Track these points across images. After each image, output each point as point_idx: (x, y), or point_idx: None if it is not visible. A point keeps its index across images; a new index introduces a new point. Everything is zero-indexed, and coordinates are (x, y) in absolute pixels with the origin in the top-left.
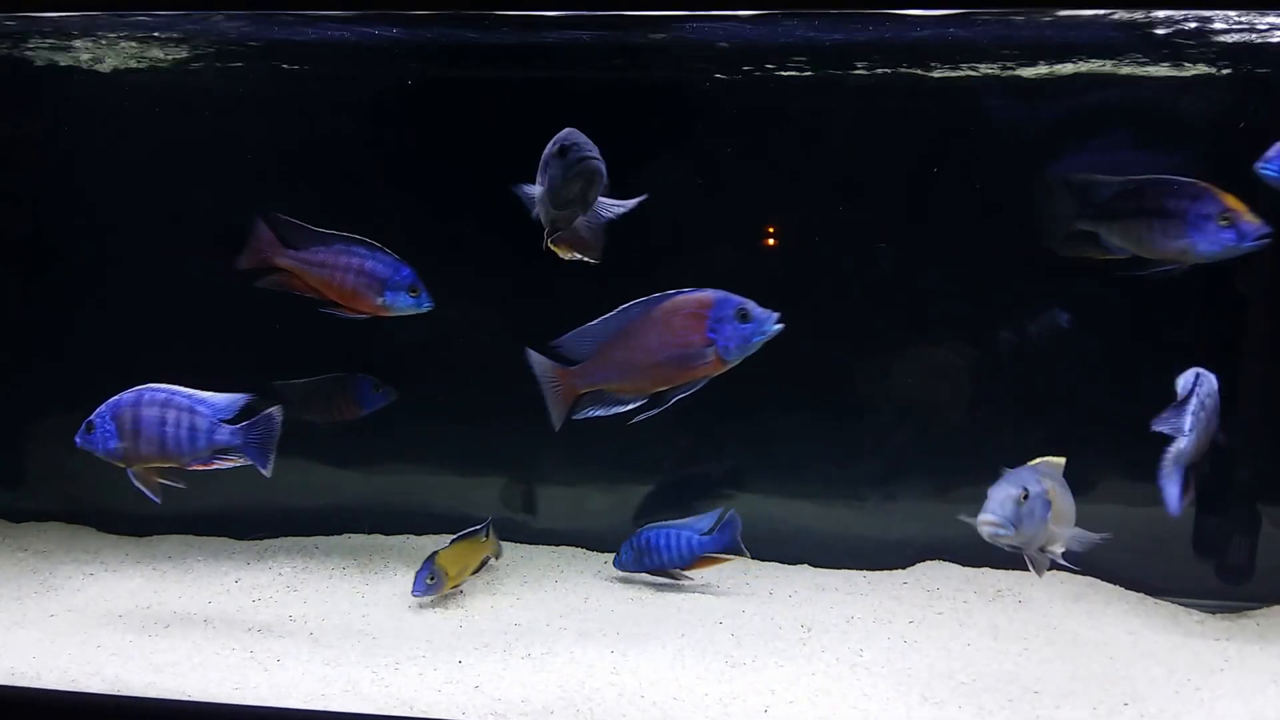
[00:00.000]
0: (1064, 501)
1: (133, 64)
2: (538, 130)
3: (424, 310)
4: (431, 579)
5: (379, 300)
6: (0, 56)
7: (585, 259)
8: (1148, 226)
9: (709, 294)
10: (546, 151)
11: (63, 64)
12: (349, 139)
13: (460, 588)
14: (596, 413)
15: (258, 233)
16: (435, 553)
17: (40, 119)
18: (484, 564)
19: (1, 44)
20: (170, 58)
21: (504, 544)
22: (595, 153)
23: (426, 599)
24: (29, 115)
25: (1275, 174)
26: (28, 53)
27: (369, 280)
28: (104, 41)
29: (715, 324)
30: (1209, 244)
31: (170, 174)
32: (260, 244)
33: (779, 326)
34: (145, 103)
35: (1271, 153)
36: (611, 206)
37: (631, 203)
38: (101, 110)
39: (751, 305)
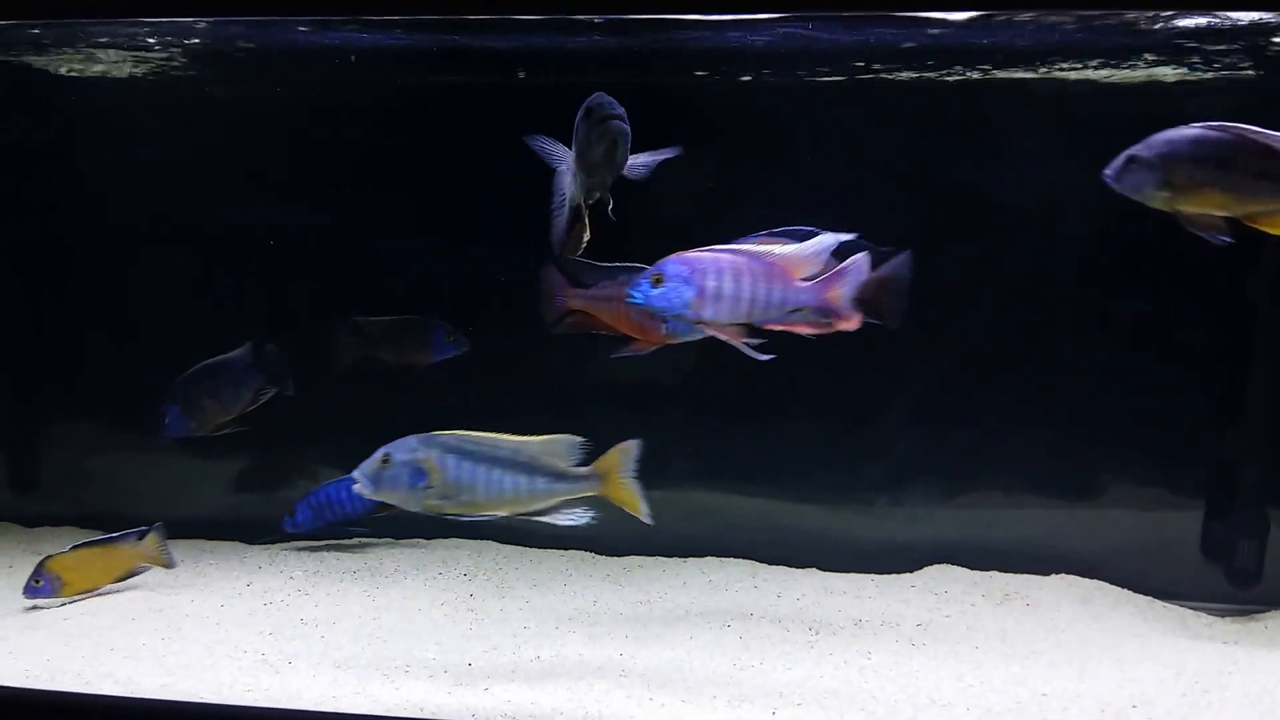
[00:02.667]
0: (459, 473)
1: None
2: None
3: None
4: (39, 582)
5: (664, 328)
6: (30, 67)
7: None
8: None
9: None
10: (577, 117)
11: (88, 74)
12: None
13: (90, 593)
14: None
15: (546, 279)
16: (48, 556)
17: (53, 124)
18: (135, 571)
19: (28, 52)
20: (177, 62)
21: (517, 548)
22: (621, 112)
23: (41, 601)
24: (42, 121)
25: (1116, 181)
26: (55, 59)
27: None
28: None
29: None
30: None
31: (183, 180)
32: (550, 291)
33: None
34: (160, 109)
35: (1119, 160)
36: (642, 162)
37: (662, 154)
38: (111, 117)
39: None
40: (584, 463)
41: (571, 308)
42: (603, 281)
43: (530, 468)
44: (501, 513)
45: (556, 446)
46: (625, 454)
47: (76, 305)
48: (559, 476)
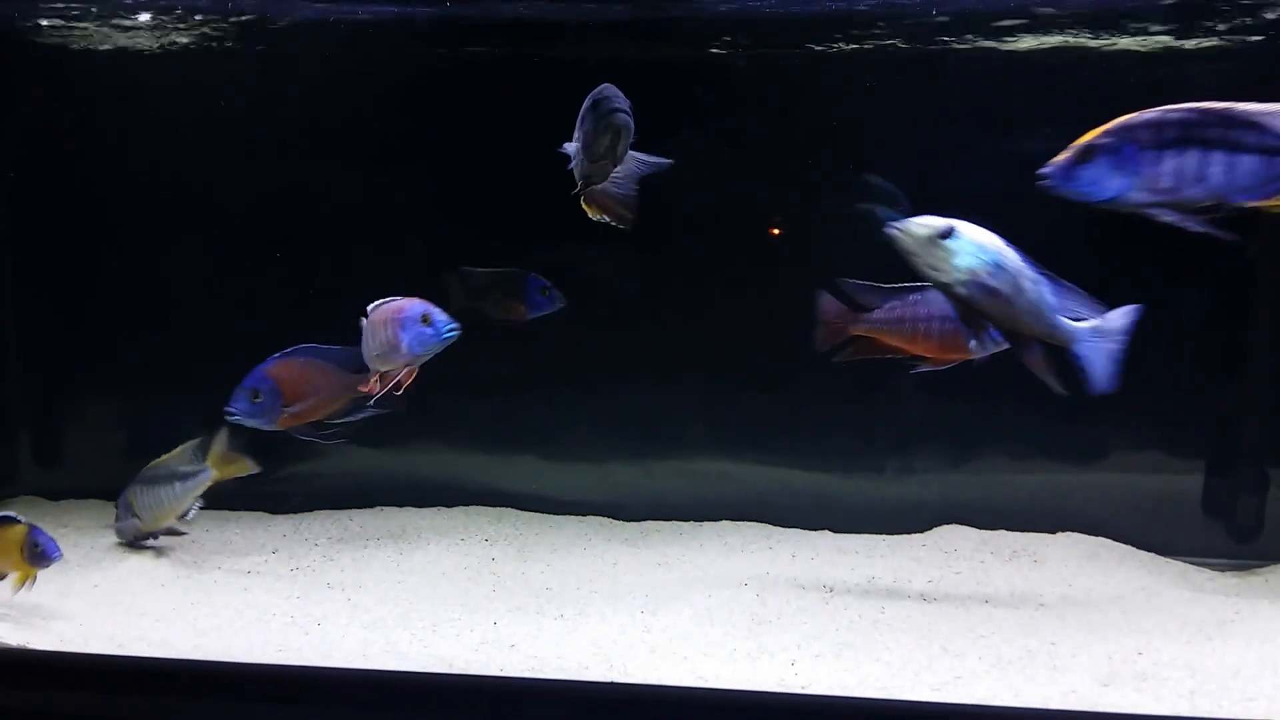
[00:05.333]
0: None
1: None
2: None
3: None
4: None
5: (971, 344)
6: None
7: (614, 223)
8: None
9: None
10: (583, 106)
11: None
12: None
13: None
14: None
15: (824, 306)
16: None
17: (73, 104)
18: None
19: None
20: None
21: (535, 514)
22: (625, 106)
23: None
24: (65, 100)
25: (1058, 184)
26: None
27: (956, 325)
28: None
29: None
30: None
31: (208, 160)
32: (830, 318)
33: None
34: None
35: (1059, 160)
36: (641, 162)
37: (658, 160)
38: (135, 94)
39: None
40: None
41: (854, 334)
42: (889, 302)
43: (172, 476)
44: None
45: (185, 454)
46: (220, 440)
47: (99, 285)
48: (191, 475)
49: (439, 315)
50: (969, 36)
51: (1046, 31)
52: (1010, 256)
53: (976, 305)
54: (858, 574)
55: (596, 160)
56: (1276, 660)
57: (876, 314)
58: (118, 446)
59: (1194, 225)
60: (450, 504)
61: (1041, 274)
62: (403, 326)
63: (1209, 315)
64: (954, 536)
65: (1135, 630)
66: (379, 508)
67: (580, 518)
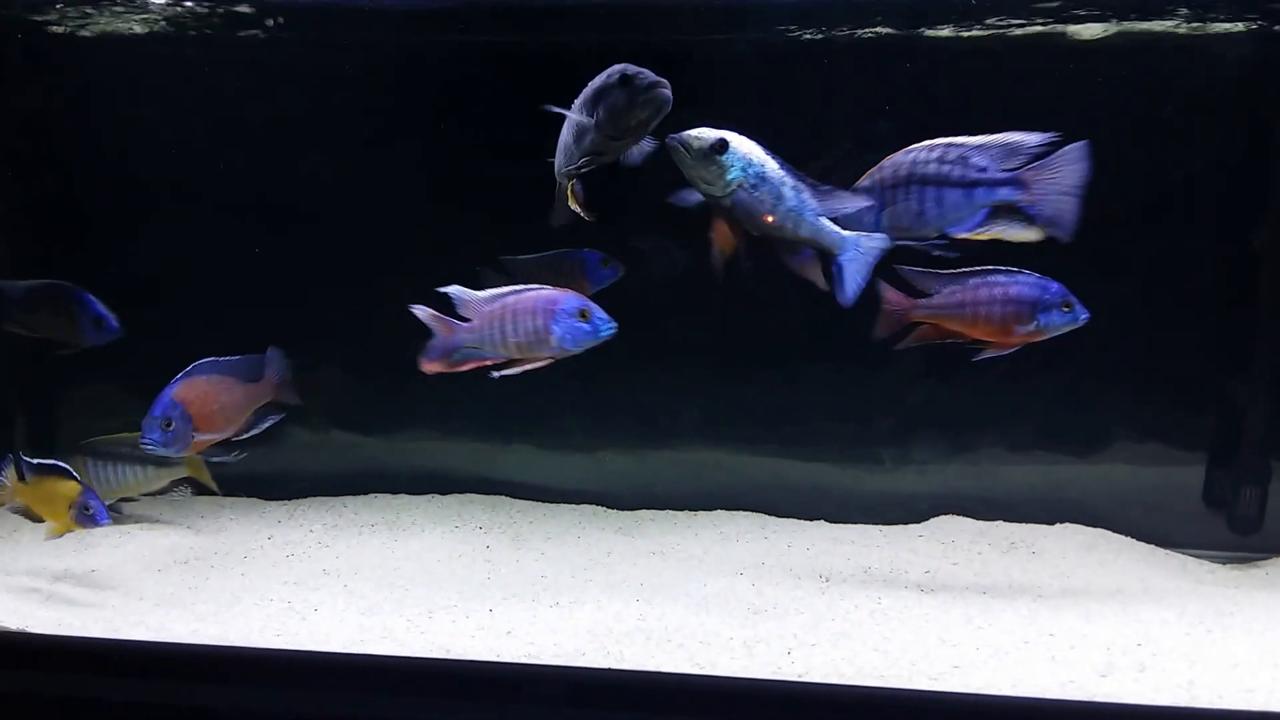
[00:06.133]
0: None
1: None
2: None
3: (1080, 324)
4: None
5: (1032, 325)
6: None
7: (584, 215)
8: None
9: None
10: (598, 84)
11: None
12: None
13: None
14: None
15: (884, 294)
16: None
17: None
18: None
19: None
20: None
21: (530, 503)
22: (666, 82)
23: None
24: (58, 86)
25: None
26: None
27: (1019, 306)
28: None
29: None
30: None
31: (210, 147)
32: (890, 305)
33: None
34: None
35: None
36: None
37: (651, 145)
38: (134, 80)
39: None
40: None
41: (915, 320)
42: (949, 287)
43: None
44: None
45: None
46: None
47: (98, 270)
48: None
49: (598, 311)
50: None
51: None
52: (773, 167)
53: (744, 216)
54: (854, 564)
55: (618, 138)
56: (1276, 652)
57: (936, 299)
58: (113, 430)
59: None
60: (445, 491)
61: (806, 182)
62: (555, 319)
63: (1211, 306)
64: (951, 527)
65: (1134, 621)
66: (373, 494)
67: (575, 506)
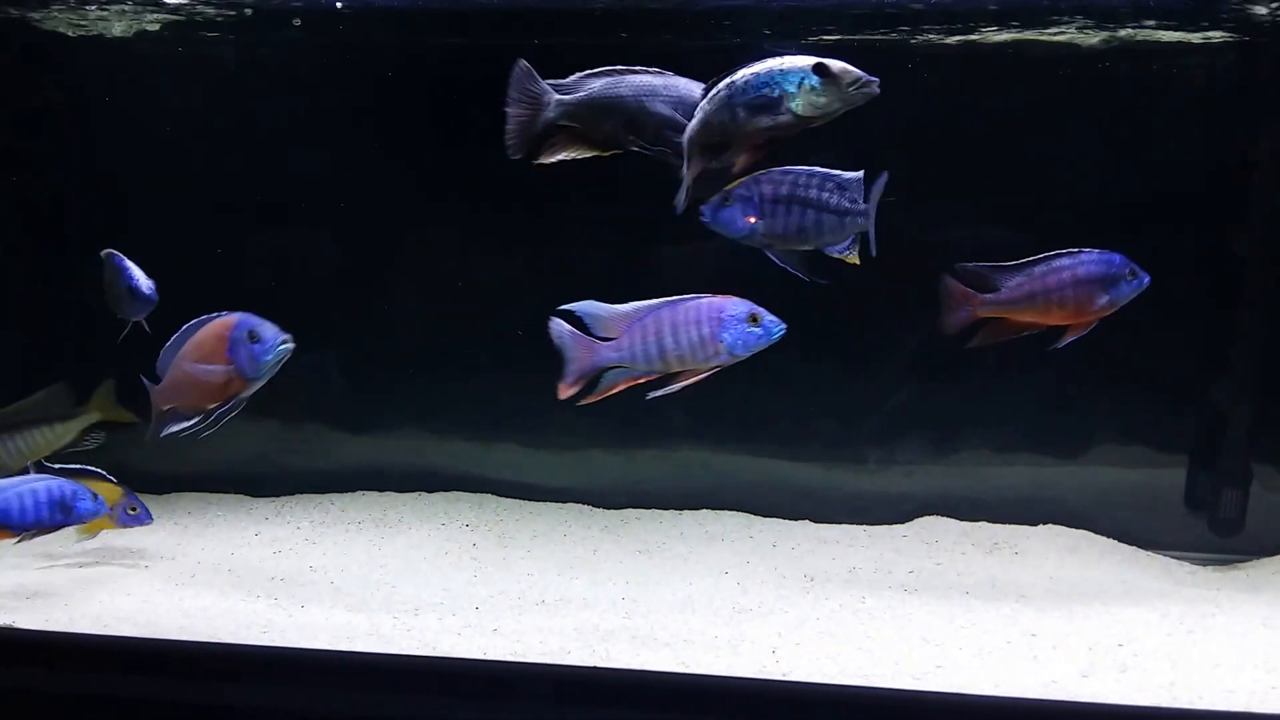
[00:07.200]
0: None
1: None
2: None
3: (1144, 288)
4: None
5: (1104, 300)
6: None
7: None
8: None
9: (230, 317)
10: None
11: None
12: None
13: None
14: (171, 429)
15: (950, 290)
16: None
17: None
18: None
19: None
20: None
21: (516, 501)
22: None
23: None
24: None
25: (707, 220)
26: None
27: (1089, 287)
28: None
29: (233, 345)
30: None
31: (198, 143)
32: (956, 303)
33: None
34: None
35: (712, 200)
36: None
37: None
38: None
39: (264, 327)
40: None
41: (982, 316)
42: (1015, 280)
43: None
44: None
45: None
46: (107, 387)
47: (83, 262)
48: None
49: (766, 313)
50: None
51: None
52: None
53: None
54: (839, 564)
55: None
56: (1256, 653)
57: (1004, 293)
58: (100, 425)
59: (796, 269)
60: (432, 490)
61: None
62: (724, 326)
63: (1194, 308)
64: (935, 527)
65: (1116, 622)
66: (360, 492)
67: (561, 505)
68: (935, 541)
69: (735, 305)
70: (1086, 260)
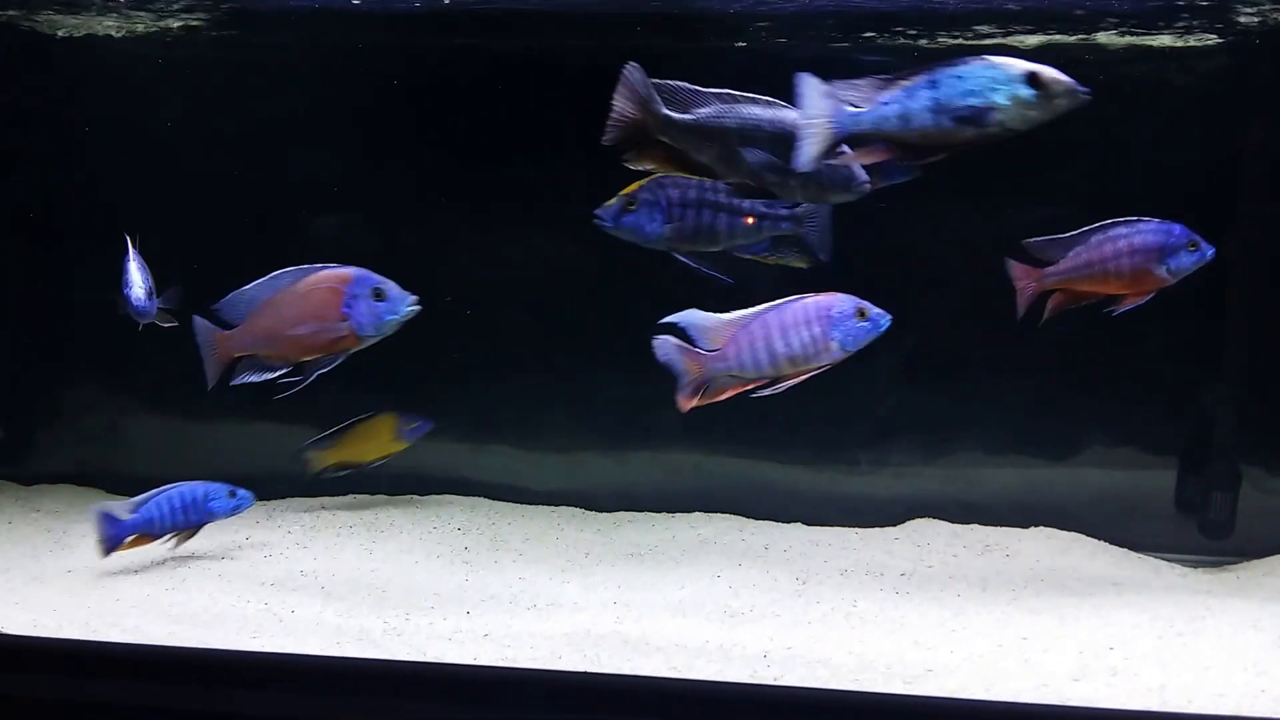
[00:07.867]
0: None
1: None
2: None
3: (1208, 260)
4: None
5: (1162, 270)
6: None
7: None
8: None
9: (347, 271)
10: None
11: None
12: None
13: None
14: (250, 378)
15: (1015, 271)
16: None
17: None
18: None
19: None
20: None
21: (508, 504)
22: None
23: None
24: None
25: (606, 225)
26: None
27: (1145, 255)
28: None
29: (351, 300)
30: None
31: (194, 145)
32: (1023, 281)
33: (414, 308)
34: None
35: (609, 205)
36: None
37: None
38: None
39: (389, 285)
40: None
41: (1048, 288)
42: (1074, 250)
43: None
44: None
45: None
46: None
47: (74, 265)
48: None
49: (873, 308)
50: None
51: None
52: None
53: None
54: (830, 567)
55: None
56: (1247, 656)
57: (1064, 265)
58: (90, 431)
59: (711, 271)
60: (423, 493)
61: None
62: (834, 323)
63: (1183, 312)
64: (927, 530)
65: (1106, 625)
66: (351, 495)
67: (553, 508)
68: (927, 544)
69: (841, 301)
70: (1144, 229)
